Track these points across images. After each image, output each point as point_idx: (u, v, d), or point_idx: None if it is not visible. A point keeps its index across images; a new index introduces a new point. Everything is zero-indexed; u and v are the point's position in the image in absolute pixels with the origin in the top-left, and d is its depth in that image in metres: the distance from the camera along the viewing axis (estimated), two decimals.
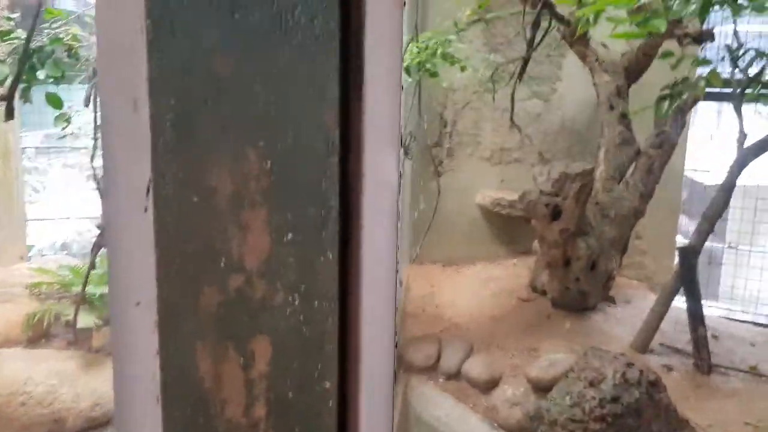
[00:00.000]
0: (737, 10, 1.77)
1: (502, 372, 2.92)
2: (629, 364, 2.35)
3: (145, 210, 0.47)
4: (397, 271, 0.53)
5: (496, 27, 4.09)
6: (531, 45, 2.14)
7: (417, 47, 2.70)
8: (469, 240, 4.24)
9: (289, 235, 0.48)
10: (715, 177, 4.78)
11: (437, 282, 3.86)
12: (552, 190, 3.00)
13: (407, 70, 2.69)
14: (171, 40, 0.45)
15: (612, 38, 2.54)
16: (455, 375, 3.00)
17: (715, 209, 2.99)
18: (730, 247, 4.64)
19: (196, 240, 0.47)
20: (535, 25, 2.11)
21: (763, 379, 3.03)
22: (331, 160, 0.48)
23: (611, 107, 3.36)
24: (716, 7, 1.91)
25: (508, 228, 4.19)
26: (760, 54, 2.61)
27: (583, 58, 3.27)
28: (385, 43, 0.50)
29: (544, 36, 2.20)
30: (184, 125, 0.46)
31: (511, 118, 2.33)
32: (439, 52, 2.63)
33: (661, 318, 3.19)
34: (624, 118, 3.34)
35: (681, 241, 4.09)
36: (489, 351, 3.10)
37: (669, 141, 3.30)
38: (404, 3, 0.53)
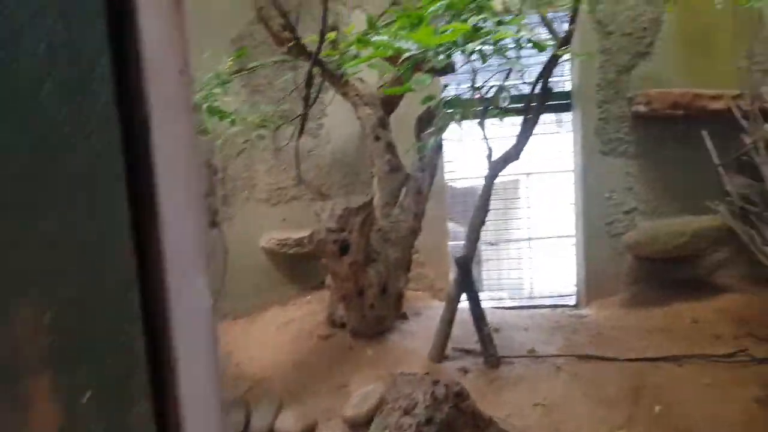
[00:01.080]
0: (485, 59, 2.02)
1: (316, 419, 2.91)
2: (435, 382, 2.51)
3: None
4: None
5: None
6: (307, 102, 2.18)
7: None
8: (258, 286, 4.17)
9: (88, 394, 0.40)
10: (470, 181, 5.36)
11: (232, 339, 3.71)
12: (337, 226, 3.09)
13: None
14: None
15: (386, 92, 2.71)
16: None
17: (478, 218, 3.34)
18: (490, 243, 5.22)
19: None
20: (309, 84, 2.16)
21: (540, 360, 3.46)
22: (129, 296, 0.41)
23: (377, 138, 3.56)
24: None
25: (297, 266, 4.21)
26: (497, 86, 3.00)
27: (344, 95, 3.42)
28: (179, 161, 0.46)
29: (317, 94, 2.25)
30: None
31: (298, 175, 2.31)
32: (205, 107, 2.56)
33: (449, 325, 3.47)
34: (390, 146, 3.57)
35: (452, 245, 4.50)
36: (299, 400, 3.08)
37: (431, 163, 3.61)
38: (192, 106, 0.49)
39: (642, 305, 3.88)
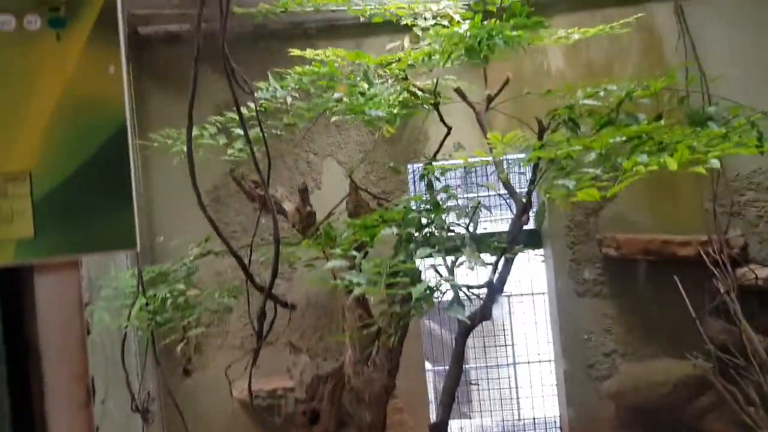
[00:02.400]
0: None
1: None
2: None
3: None
4: None
5: (228, 216, 4.12)
6: (260, 336, 2.16)
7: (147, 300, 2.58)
8: None
9: None
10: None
11: None
12: (306, 396, 2.99)
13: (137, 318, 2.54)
14: None
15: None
16: None
17: (452, 380, 3.26)
18: (471, 383, 5.10)
19: None
20: (261, 316, 2.14)
21: None
22: None
23: (348, 290, 3.53)
24: None
25: (272, 416, 4.05)
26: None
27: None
28: None
29: (270, 327, 2.24)
30: None
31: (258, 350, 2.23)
32: (171, 304, 2.54)
33: None
34: (361, 300, 3.53)
35: (429, 387, 4.39)
36: None
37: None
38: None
39: None
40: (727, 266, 3.49)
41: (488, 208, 3.04)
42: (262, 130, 2.55)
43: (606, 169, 2.12)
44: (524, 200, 3.15)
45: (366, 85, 3.12)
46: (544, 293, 4.39)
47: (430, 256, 2.76)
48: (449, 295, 2.70)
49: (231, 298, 2.90)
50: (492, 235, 3.29)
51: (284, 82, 3.10)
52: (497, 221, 4.57)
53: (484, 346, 4.74)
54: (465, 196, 3.37)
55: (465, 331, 3.28)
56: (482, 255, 3.05)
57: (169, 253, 3.65)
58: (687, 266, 3.67)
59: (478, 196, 3.91)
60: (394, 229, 2.78)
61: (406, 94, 3.21)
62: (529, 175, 3.44)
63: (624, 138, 2.13)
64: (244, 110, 2.82)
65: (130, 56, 3.96)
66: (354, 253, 2.86)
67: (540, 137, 2.95)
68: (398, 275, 2.16)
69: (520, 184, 3.85)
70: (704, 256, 3.55)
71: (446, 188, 3.03)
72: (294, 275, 4.20)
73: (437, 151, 3.53)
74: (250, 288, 2.26)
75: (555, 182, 2.56)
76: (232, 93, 2.33)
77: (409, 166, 4.11)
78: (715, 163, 1.89)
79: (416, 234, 2.81)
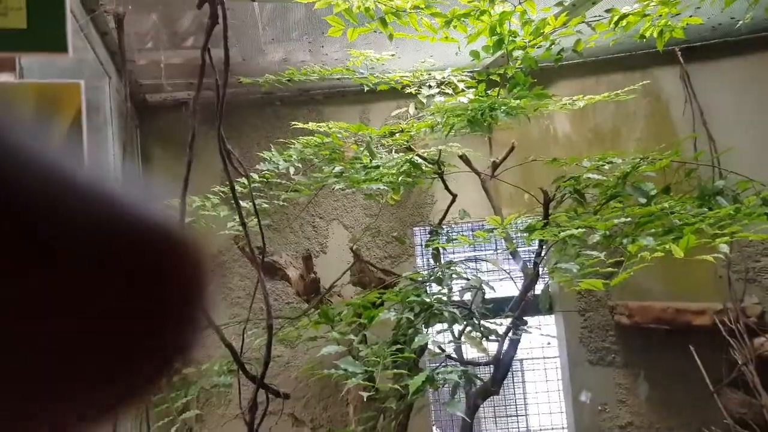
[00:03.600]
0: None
1: None
2: None
3: None
4: None
5: (233, 281, 4.08)
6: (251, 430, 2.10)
7: None
8: None
9: None
10: None
11: None
12: None
13: None
14: None
15: None
16: None
17: None
18: None
19: None
20: (253, 408, 2.08)
21: None
22: None
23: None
24: None
25: None
26: None
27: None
28: None
29: (263, 415, 2.18)
30: None
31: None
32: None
33: None
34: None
35: None
36: None
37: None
38: None
39: None
40: (743, 336, 3.36)
41: (492, 287, 2.95)
42: (254, 207, 2.55)
43: (610, 250, 2.06)
44: (530, 273, 3.09)
45: (368, 157, 3.11)
46: (556, 357, 4.26)
47: (427, 343, 2.70)
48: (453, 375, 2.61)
49: (229, 375, 2.82)
50: (498, 305, 3.22)
51: (287, 154, 3.10)
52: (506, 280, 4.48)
53: (495, 417, 4.58)
54: (471, 266, 3.27)
55: (473, 409, 3.16)
56: (489, 325, 2.99)
57: None
58: (703, 335, 3.54)
59: (485, 256, 3.83)
60: (393, 313, 2.71)
61: (409, 165, 3.20)
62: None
63: (628, 218, 2.07)
64: (244, 182, 2.82)
65: (138, 124, 4.01)
66: (351, 337, 2.81)
67: (545, 208, 2.90)
68: (396, 364, 2.09)
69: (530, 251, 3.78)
70: (720, 325, 3.43)
71: (449, 263, 2.97)
72: (298, 342, 4.12)
73: (443, 218, 3.50)
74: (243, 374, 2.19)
75: (559, 266, 2.49)
76: (227, 174, 2.35)
77: (416, 229, 4.06)
78: (724, 248, 1.83)
79: (415, 317, 2.74)
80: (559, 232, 2.44)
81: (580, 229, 2.32)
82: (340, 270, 3.32)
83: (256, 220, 2.64)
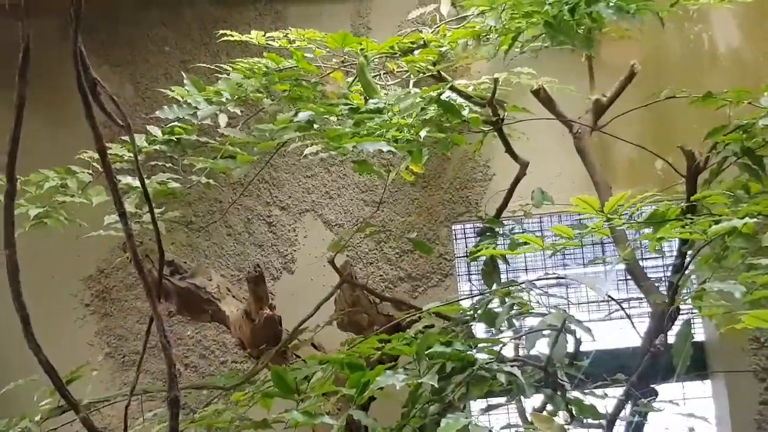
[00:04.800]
0: None
1: None
2: None
3: None
4: None
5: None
6: None
7: None
8: None
9: None
10: None
11: None
12: None
13: None
14: None
15: None
16: None
17: None
18: None
19: None
20: None
21: None
22: None
23: None
24: None
25: None
26: None
27: None
28: None
29: None
30: None
31: None
32: None
33: None
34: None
35: None
36: None
37: None
38: None
39: None
40: None
41: (588, 330, 1.74)
42: (144, 186, 1.47)
43: None
44: (662, 303, 2.02)
45: (363, 93, 1.75)
46: None
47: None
48: None
49: None
50: (601, 361, 1.94)
51: (213, 89, 1.75)
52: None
53: None
54: (552, 291, 1.99)
55: None
56: (585, 398, 1.85)
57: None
58: None
59: (567, 281, 2.41)
60: (403, 377, 1.66)
61: (438, 109, 1.82)
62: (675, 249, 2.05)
63: None
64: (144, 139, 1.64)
65: None
66: (328, 421, 1.51)
67: (689, 183, 1.98)
68: None
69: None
70: None
71: (507, 290, 1.75)
72: None
73: (503, 206, 2.30)
74: None
75: (710, 286, 1.68)
76: (91, 125, 1.26)
77: (456, 227, 2.65)
78: None
79: (444, 384, 1.69)
80: (711, 225, 1.70)
81: (750, 220, 1.63)
82: (315, 300, 1.94)
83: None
